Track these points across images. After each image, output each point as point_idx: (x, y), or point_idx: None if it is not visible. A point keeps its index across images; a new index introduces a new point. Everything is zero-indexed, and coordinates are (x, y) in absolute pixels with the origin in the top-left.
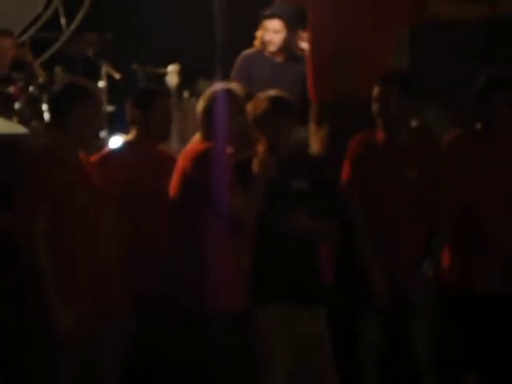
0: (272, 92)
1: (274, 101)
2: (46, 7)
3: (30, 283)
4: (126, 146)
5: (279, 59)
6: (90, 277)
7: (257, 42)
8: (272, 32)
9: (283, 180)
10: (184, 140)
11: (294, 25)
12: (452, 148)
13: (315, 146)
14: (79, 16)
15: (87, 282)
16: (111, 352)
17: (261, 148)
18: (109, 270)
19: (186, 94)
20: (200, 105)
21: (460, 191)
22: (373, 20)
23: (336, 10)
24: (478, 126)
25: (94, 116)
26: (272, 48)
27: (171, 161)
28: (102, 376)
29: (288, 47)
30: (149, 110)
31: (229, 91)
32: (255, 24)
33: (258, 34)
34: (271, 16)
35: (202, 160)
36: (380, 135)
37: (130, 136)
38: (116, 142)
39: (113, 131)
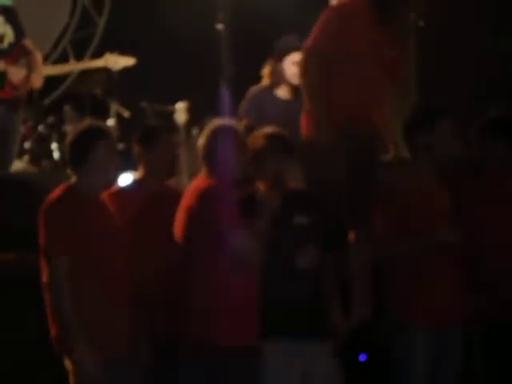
0: (269, 128)
1: (272, 138)
2: (54, 47)
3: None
4: (134, 183)
5: (287, 96)
6: (108, 316)
7: (267, 79)
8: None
9: (286, 215)
10: (193, 177)
11: None
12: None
13: None
14: (88, 54)
15: (106, 321)
16: None
17: (262, 185)
18: (124, 309)
19: (194, 131)
20: (201, 141)
21: None
22: (377, 85)
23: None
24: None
25: (111, 157)
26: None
27: (179, 197)
28: None
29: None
30: (152, 147)
31: (229, 128)
32: (261, 61)
33: (266, 70)
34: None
35: (207, 197)
36: None
37: (138, 173)
38: (126, 179)
39: (123, 169)
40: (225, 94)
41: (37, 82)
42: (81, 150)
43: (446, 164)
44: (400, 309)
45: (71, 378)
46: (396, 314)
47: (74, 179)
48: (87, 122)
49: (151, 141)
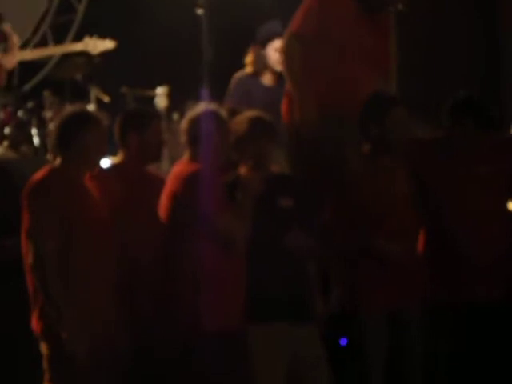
0: (251, 113)
1: (254, 121)
2: (34, 32)
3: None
4: (114, 167)
5: (271, 83)
6: (94, 300)
7: (251, 66)
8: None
9: (270, 198)
10: (174, 162)
11: None
12: None
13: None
14: (67, 40)
15: (92, 306)
16: (110, 377)
17: (245, 168)
18: (109, 293)
19: (175, 116)
20: (184, 126)
21: None
22: (359, 73)
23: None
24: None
25: (98, 142)
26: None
27: (161, 182)
28: None
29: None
30: (144, 132)
31: (213, 112)
32: (241, 46)
33: (249, 57)
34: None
35: (191, 182)
36: None
37: (119, 158)
38: (104, 163)
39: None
40: (204, 93)
41: (8, 63)
42: (69, 134)
43: (402, 152)
44: (355, 295)
45: (45, 363)
46: (352, 300)
47: (58, 162)
48: (79, 106)
49: (144, 126)
